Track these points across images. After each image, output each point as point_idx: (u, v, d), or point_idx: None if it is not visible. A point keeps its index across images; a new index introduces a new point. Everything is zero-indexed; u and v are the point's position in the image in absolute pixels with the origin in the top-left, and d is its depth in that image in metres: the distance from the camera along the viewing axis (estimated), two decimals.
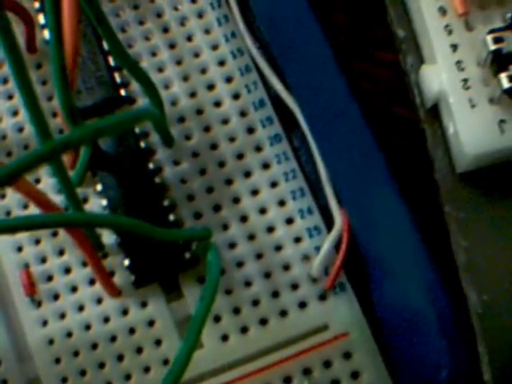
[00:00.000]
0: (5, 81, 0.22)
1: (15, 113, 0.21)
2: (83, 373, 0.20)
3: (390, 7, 0.22)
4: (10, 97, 0.22)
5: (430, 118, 0.21)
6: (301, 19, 0.21)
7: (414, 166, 0.22)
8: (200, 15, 0.22)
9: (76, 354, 0.20)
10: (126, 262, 0.20)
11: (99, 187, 0.20)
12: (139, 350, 0.20)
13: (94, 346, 0.20)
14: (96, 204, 0.20)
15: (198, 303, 0.18)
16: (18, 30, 0.22)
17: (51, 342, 0.20)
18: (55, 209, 0.18)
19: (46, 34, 0.21)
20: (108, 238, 0.20)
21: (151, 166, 0.20)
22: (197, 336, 0.18)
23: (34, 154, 0.16)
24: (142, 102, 0.21)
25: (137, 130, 0.20)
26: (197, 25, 0.21)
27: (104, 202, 0.20)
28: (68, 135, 0.16)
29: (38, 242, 0.21)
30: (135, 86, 0.21)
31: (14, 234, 0.20)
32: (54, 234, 0.21)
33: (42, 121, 0.17)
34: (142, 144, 0.20)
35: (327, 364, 0.20)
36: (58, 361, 0.20)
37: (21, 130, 0.21)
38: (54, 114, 0.21)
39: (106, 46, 0.21)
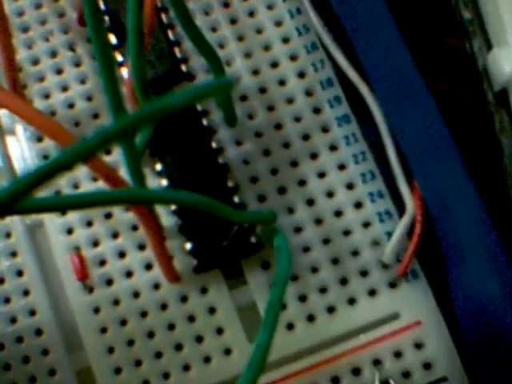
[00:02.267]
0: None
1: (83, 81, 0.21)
2: (138, 363, 0.19)
3: None
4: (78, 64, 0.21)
5: (498, 102, 0.20)
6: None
7: (481, 151, 0.21)
8: None
9: (131, 343, 0.19)
10: (188, 246, 0.19)
11: (159, 167, 0.19)
12: (199, 339, 0.19)
13: (151, 335, 0.19)
14: (154, 184, 0.19)
15: (272, 289, 0.17)
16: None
17: (104, 330, 0.19)
18: (123, 184, 0.17)
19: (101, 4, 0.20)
20: (167, 220, 0.19)
21: (214, 145, 0.19)
22: (275, 323, 0.17)
23: (107, 131, 0.14)
24: (202, 78, 0.20)
25: (199, 106, 0.20)
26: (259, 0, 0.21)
27: (164, 183, 0.19)
28: (144, 111, 0.15)
29: (89, 223, 0.20)
30: (194, 61, 0.20)
31: (80, 210, 0.19)
32: (107, 216, 0.20)
33: (117, 93, 0.16)
34: (204, 122, 0.20)
35: (398, 354, 0.19)
36: (111, 350, 0.19)
37: (89, 98, 0.20)
38: None
39: (165, 18, 0.20)
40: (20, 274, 0.20)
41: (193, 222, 0.19)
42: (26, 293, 0.19)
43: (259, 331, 0.16)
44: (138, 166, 0.18)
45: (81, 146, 0.14)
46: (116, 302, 0.19)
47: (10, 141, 0.20)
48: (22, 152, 0.20)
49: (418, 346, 0.19)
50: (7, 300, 0.19)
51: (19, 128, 0.20)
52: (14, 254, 0.20)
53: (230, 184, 0.19)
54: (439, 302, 0.19)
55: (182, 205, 0.18)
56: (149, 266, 0.19)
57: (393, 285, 0.19)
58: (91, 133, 0.13)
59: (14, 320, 0.19)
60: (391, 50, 0.19)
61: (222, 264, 0.19)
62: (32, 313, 0.19)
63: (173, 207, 0.19)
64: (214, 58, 0.19)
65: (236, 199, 0.19)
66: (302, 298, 0.19)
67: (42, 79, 0.21)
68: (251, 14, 0.21)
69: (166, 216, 0.19)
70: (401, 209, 0.19)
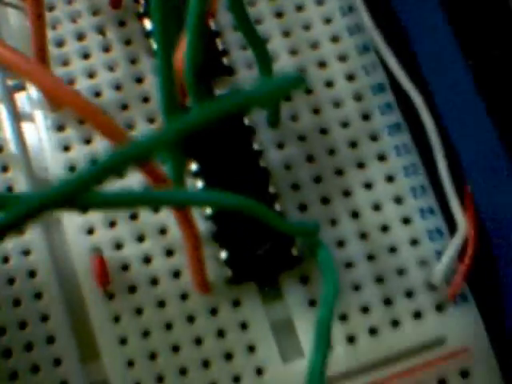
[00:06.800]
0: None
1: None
2: (160, 379, 0.17)
3: None
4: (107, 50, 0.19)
5: None
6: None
7: None
8: None
9: (153, 356, 0.17)
10: (223, 255, 0.17)
11: (194, 167, 0.18)
12: (228, 357, 0.17)
13: (176, 349, 0.17)
14: (188, 185, 0.18)
15: (321, 308, 0.16)
16: None
17: (124, 341, 0.17)
18: (165, 181, 0.15)
19: None
20: (200, 225, 0.18)
21: (256, 146, 0.18)
22: (327, 344, 0.15)
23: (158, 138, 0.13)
24: (243, 74, 0.19)
25: None
26: None
27: (199, 184, 0.18)
28: (202, 112, 0.13)
29: (112, 224, 0.18)
30: (235, 55, 0.19)
31: (113, 211, 0.17)
32: (133, 217, 0.18)
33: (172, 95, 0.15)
34: (246, 121, 0.18)
35: (442, 382, 0.17)
36: (130, 364, 0.17)
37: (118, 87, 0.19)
38: (139, 80, 0.19)
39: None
40: (32, 274, 0.18)
41: (229, 228, 0.17)
42: (37, 296, 0.18)
43: (312, 354, 0.15)
44: (181, 164, 0.16)
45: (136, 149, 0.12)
46: (139, 312, 0.17)
47: (27, 128, 0.19)
48: (41, 141, 0.19)
49: (464, 374, 0.17)
50: (17, 303, 0.18)
51: (39, 114, 0.19)
52: (26, 253, 0.18)
53: (271, 190, 0.18)
54: (488, 328, 0.18)
55: (227, 209, 0.16)
56: (176, 274, 0.18)
57: (440, 308, 0.18)
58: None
59: (23, 325, 0.17)
60: (453, 70, 0.18)
61: (259, 276, 0.17)
62: (44, 318, 0.18)
63: (208, 211, 0.18)
64: (262, 49, 0.17)
65: (277, 207, 0.18)
66: (343, 318, 0.18)
67: (66, 63, 0.19)
68: (299, 8, 0.19)
69: (199, 221, 0.18)
70: (452, 227, 0.18)
